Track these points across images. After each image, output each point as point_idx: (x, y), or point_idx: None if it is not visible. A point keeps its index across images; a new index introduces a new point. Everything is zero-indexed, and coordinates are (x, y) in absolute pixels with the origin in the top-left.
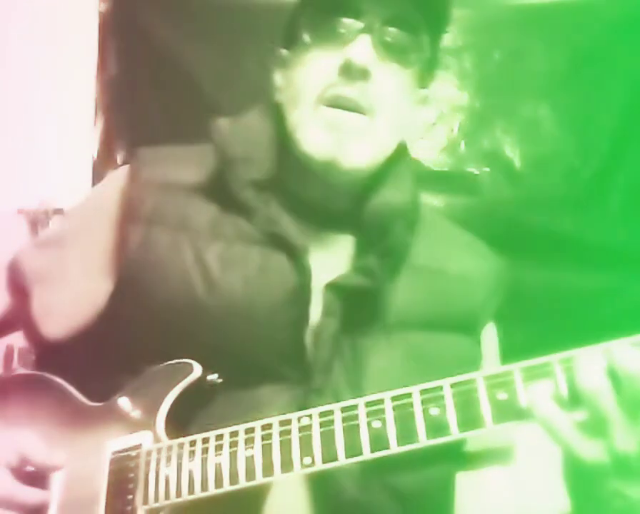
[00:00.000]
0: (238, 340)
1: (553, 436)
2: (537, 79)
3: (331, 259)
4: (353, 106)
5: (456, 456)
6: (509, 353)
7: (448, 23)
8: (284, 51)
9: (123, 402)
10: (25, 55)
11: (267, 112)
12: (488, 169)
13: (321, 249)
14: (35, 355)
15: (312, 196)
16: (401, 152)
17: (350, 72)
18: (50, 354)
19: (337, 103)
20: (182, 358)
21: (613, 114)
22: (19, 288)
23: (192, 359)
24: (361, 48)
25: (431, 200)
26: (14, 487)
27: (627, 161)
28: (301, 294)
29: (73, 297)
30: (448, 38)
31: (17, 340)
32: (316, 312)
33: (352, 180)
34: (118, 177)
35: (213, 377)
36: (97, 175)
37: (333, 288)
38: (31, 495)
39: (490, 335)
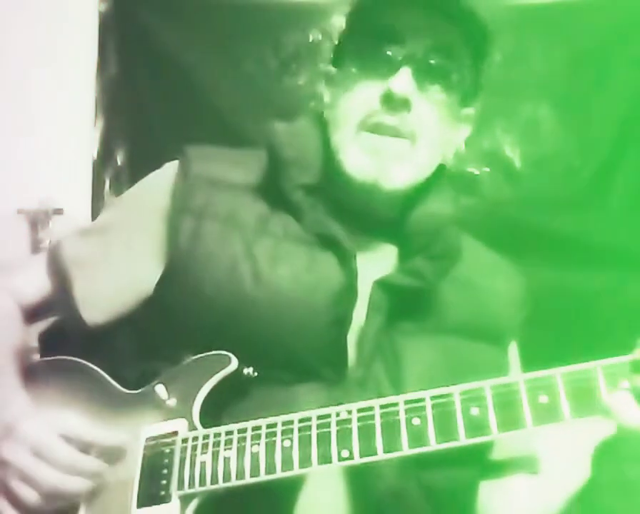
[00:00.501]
0: (280, 336)
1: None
2: (537, 79)
3: (375, 265)
4: (393, 132)
5: (482, 462)
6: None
7: (488, 47)
8: (333, 70)
9: (160, 389)
10: (25, 55)
11: (315, 122)
12: (488, 169)
13: (365, 255)
14: (72, 340)
15: (356, 205)
16: (441, 169)
17: (391, 102)
18: (89, 339)
19: (378, 131)
20: (222, 349)
21: (613, 114)
22: (59, 273)
23: (231, 351)
24: (403, 79)
25: None
26: (63, 478)
27: (627, 161)
28: (347, 295)
29: (116, 283)
30: None
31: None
32: (359, 314)
33: (394, 203)
34: (168, 171)
35: (249, 370)
36: (97, 175)
37: (381, 285)
38: (92, 462)
39: (512, 352)
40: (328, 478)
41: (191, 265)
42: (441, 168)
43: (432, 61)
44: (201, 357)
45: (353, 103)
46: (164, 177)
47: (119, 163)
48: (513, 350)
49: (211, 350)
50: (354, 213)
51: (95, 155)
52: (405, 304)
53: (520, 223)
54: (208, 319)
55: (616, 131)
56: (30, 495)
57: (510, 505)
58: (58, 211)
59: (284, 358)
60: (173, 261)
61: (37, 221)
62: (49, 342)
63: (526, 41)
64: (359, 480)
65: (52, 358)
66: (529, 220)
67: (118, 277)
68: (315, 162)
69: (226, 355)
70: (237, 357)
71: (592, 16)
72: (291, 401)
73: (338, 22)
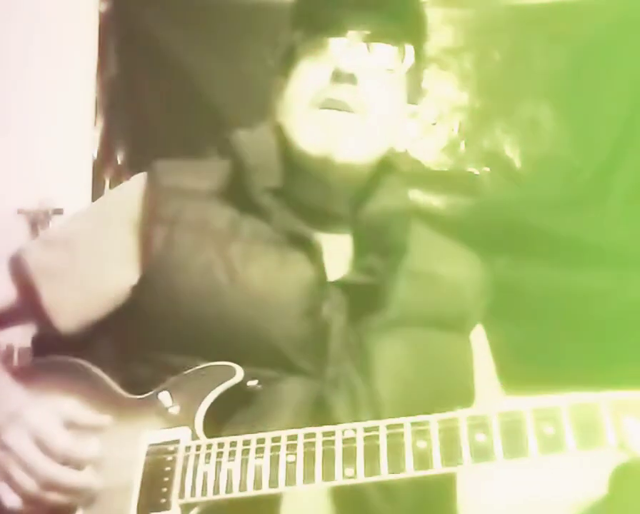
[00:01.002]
0: (258, 333)
1: None
2: (537, 79)
3: (333, 259)
4: (343, 106)
5: None
6: (509, 352)
7: (426, 32)
8: (278, 66)
9: (164, 396)
10: (25, 55)
11: (274, 127)
12: (488, 169)
13: (325, 249)
14: (52, 346)
15: (313, 201)
16: (392, 160)
17: (338, 77)
18: (66, 345)
19: (328, 105)
20: (204, 350)
21: (613, 114)
22: (25, 284)
23: (213, 352)
24: (348, 57)
25: (431, 200)
26: (59, 471)
27: (627, 161)
28: (318, 289)
29: (86, 291)
30: (448, 38)
31: (17, 339)
32: (325, 307)
33: (347, 178)
34: (137, 182)
35: (253, 383)
36: (97, 175)
37: (339, 285)
38: (76, 478)
39: (479, 336)
40: (313, 493)
41: (166, 271)
42: (392, 157)
43: (374, 45)
44: (206, 366)
45: (302, 86)
46: (133, 189)
47: (119, 163)
48: (479, 334)
49: (193, 353)
50: (312, 208)
51: (95, 155)
52: (364, 301)
53: (520, 223)
54: (187, 323)
55: (616, 131)
56: (28, 483)
57: (489, 489)
58: (58, 211)
59: (264, 354)
60: (148, 268)
61: (37, 221)
62: (42, 344)
63: (526, 40)
64: (347, 493)
65: (50, 357)
66: (529, 220)
67: (87, 285)
68: (275, 165)
69: (231, 366)
70: (219, 358)
71: (592, 15)
72: (275, 401)
73: None
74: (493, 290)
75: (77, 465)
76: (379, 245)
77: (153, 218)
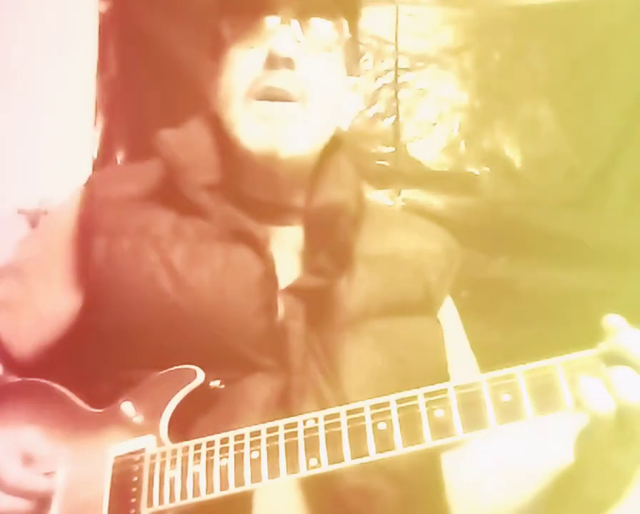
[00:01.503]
0: (213, 336)
1: (601, 426)
2: (537, 79)
3: (284, 252)
4: (282, 95)
5: None
6: (510, 352)
7: (360, 5)
8: (211, 58)
9: (126, 407)
10: (25, 55)
11: (208, 119)
12: (488, 169)
13: (274, 244)
14: (11, 374)
15: (260, 194)
16: (338, 142)
17: (274, 63)
18: (24, 372)
19: (267, 95)
20: (161, 360)
21: (613, 114)
22: None
23: (171, 360)
24: (283, 39)
25: (431, 200)
26: (23, 474)
27: (627, 161)
28: (268, 282)
29: (38, 318)
30: (448, 38)
31: None
32: (280, 309)
33: (295, 170)
34: (71, 200)
35: (215, 383)
36: None
37: (291, 292)
38: (38, 482)
39: (448, 311)
40: (283, 487)
41: (109, 286)
42: (338, 138)
43: (308, 21)
44: (166, 372)
45: (237, 75)
46: (69, 205)
47: (119, 163)
48: (448, 307)
49: (149, 366)
50: (259, 202)
51: (95, 155)
52: (320, 304)
53: (520, 223)
54: (138, 336)
55: (616, 131)
56: None
57: (474, 470)
58: None
59: (222, 356)
60: (91, 285)
61: (37, 221)
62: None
63: (526, 41)
64: (317, 484)
65: (15, 380)
66: (529, 220)
67: (39, 311)
68: (211, 160)
69: (191, 368)
70: (177, 365)
71: (592, 15)
72: (239, 398)
73: None
74: (460, 258)
75: (29, 497)
76: (329, 242)
77: (90, 232)
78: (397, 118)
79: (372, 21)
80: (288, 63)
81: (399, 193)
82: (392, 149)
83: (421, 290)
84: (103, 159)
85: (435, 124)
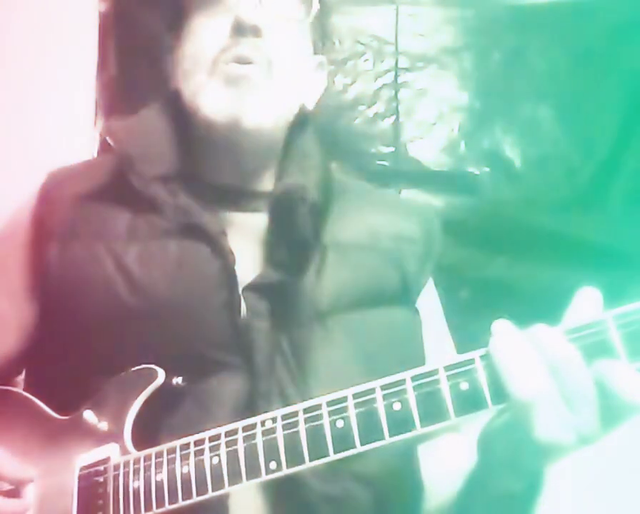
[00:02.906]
0: (170, 336)
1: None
2: (537, 79)
3: (246, 241)
4: (248, 62)
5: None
6: None
7: None
8: (169, 34)
9: (89, 415)
10: (25, 55)
11: (162, 105)
12: (488, 169)
13: (238, 233)
14: None
15: (223, 178)
16: (304, 120)
17: (241, 30)
18: None
19: (233, 60)
20: (122, 364)
21: (613, 114)
22: None
23: (133, 362)
24: (248, 6)
25: (431, 200)
26: None
27: (627, 161)
28: (227, 277)
29: (4, 328)
30: (448, 38)
31: None
32: (243, 307)
33: (259, 144)
34: (26, 202)
35: (177, 380)
36: None
37: (253, 289)
38: (9, 505)
39: (429, 297)
40: (248, 492)
41: (65, 291)
42: (303, 116)
43: None
44: (125, 374)
45: (202, 45)
46: (22, 210)
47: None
48: (429, 292)
49: (112, 368)
50: (221, 188)
51: (95, 155)
52: (284, 301)
53: (520, 223)
54: (98, 339)
55: (616, 131)
56: None
57: (444, 463)
58: None
59: (184, 357)
60: (46, 292)
61: None
62: None
63: (526, 40)
64: (286, 486)
65: None
66: (529, 220)
67: (3, 320)
68: (165, 149)
69: (151, 368)
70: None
71: (592, 15)
72: (206, 398)
73: None
74: (440, 239)
75: None
76: (291, 234)
77: (44, 237)
78: (397, 118)
79: (372, 21)
80: (255, 30)
81: (399, 193)
82: (392, 149)
83: (397, 279)
84: None
85: (435, 124)
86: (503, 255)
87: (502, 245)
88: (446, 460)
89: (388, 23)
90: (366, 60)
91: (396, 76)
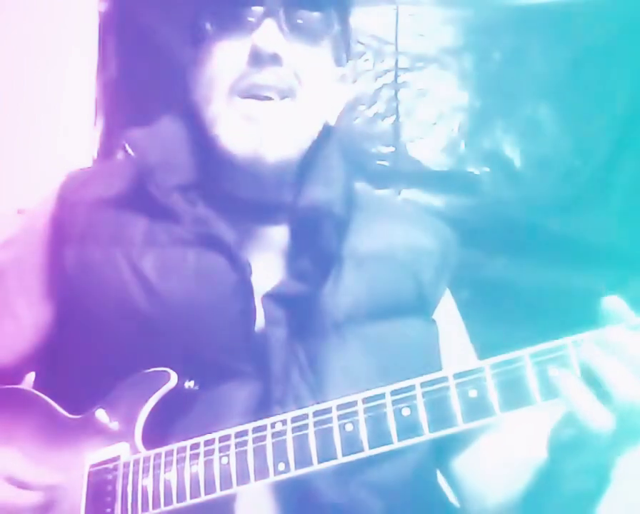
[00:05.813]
0: (185, 343)
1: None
2: (537, 79)
3: (267, 254)
4: (269, 93)
5: (435, 444)
6: (508, 352)
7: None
8: (191, 49)
9: (101, 414)
10: (25, 55)
11: (182, 115)
12: (488, 169)
13: (257, 245)
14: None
15: (242, 192)
16: (327, 135)
17: (259, 59)
18: (4, 380)
19: (251, 93)
20: (134, 367)
21: (613, 114)
22: None
23: (146, 365)
24: (267, 33)
25: (431, 200)
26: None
27: (627, 161)
28: (243, 288)
29: (18, 328)
30: (448, 38)
31: None
32: (260, 315)
33: (281, 171)
34: (46, 202)
35: (190, 384)
36: None
37: (272, 297)
38: (21, 497)
39: (446, 308)
40: (257, 496)
41: (81, 294)
42: (327, 131)
43: (294, 13)
44: (139, 376)
45: (219, 69)
46: (42, 210)
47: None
48: (446, 304)
49: (124, 373)
50: (241, 200)
51: (95, 155)
52: (303, 311)
53: (520, 223)
54: (112, 344)
55: (616, 131)
56: None
57: (484, 469)
58: None
59: (198, 364)
60: (62, 294)
61: None
62: None
63: (526, 41)
64: (295, 493)
65: None
66: (529, 220)
67: (19, 320)
68: (185, 159)
69: (164, 371)
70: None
71: (592, 15)
72: (217, 403)
73: None
74: (456, 250)
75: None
76: (312, 245)
77: (62, 240)
78: (397, 118)
79: (372, 21)
80: (275, 58)
81: (399, 193)
82: (392, 149)
83: (414, 290)
84: (103, 159)
85: (435, 124)
86: (503, 255)
87: (502, 245)
88: (478, 462)
89: (388, 23)
90: (366, 60)
91: (396, 76)
